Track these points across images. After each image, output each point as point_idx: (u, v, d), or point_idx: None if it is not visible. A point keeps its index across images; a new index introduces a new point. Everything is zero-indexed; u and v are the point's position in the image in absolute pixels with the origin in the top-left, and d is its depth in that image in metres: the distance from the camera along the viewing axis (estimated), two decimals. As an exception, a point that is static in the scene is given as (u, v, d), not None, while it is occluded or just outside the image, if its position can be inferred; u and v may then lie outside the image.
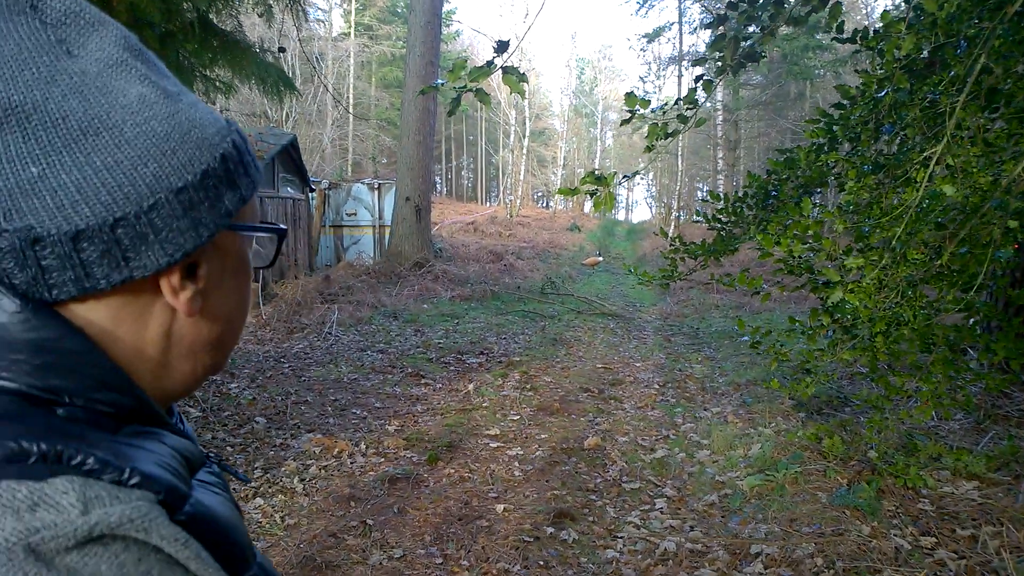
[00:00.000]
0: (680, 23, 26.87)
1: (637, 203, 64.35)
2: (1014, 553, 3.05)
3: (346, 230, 14.54)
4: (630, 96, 2.32)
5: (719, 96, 24.01)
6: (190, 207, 0.51)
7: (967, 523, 3.40)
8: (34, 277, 0.47)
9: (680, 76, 27.94)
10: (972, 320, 3.42)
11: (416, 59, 13.18)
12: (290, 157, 13.25)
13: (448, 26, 34.65)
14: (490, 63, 2.04)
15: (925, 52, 2.73)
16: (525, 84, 1.91)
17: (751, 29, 3.04)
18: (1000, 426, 4.68)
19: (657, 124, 2.74)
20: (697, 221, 4.42)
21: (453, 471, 4.26)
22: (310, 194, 13.96)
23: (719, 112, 23.75)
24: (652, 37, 31.19)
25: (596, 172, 2.12)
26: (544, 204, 52.33)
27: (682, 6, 26.44)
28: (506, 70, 1.87)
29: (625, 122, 2.59)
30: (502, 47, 1.93)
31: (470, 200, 47.33)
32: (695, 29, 28.61)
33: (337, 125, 29.79)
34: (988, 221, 2.68)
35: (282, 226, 0.65)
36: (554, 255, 19.63)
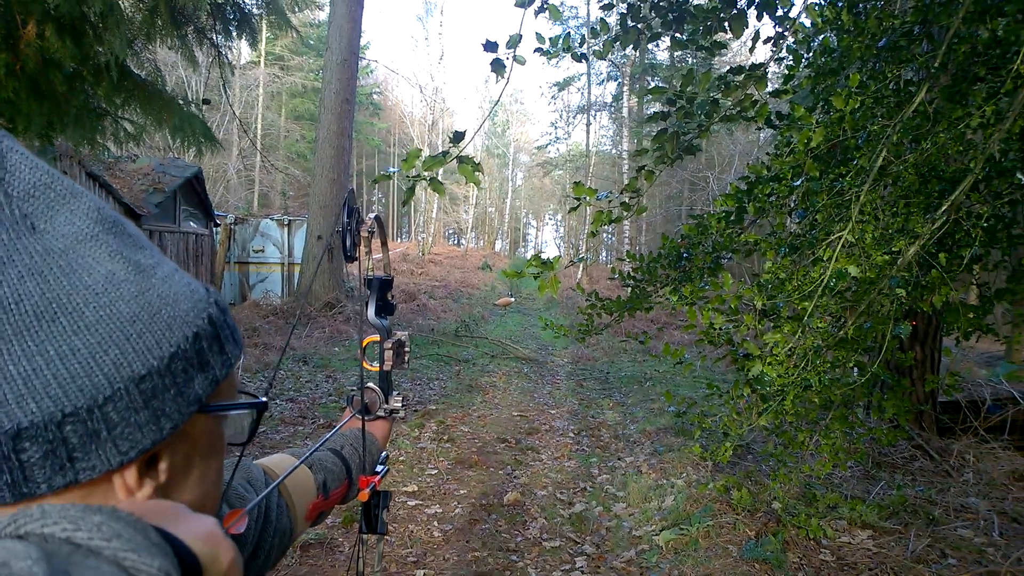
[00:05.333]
0: (588, 74, 28.01)
1: (547, 243, 65.67)
2: (908, 604, 3.26)
3: (252, 267, 14.07)
4: (578, 185, 2.42)
5: (624, 145, 25.10)
6: (152, 396, 0.46)
7: (864, 573, 3.61)
8: None
9: (588, 124, 28.99)
10: (864, 380, 3.69)
11: (332, 96, 13.11)
12: (193, 190, 12.78)
13: (362, 61, 34.57)
14: (445, 152, 2.07)
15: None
16: (480, 173, 1.96)
17: (689, 123, 3.25)
18: (887, 473, 5.03)
19: (602, 211, 2.86)
20: (612, 278, 4.57)
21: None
22: (214, 228, 13.46)
23: (624, 160, 24.87)
24: (562, 86, 32.40)
25: (541, 256, 2.18)
26: (456, 241, 52.52)
27: (590, 59, 27.60)
28: (461, 160, 1.91)
29: (572, 209, 2.70)
30: (458, 137, 1.97)
31: (380, 235, 46.78)
32: (602, 81, 30.04)
33: (244, 155, 28.92)
34: (883, 294, 2.92)
35: (262, 399, 0.60)
36: (467, 295, 19.66)
